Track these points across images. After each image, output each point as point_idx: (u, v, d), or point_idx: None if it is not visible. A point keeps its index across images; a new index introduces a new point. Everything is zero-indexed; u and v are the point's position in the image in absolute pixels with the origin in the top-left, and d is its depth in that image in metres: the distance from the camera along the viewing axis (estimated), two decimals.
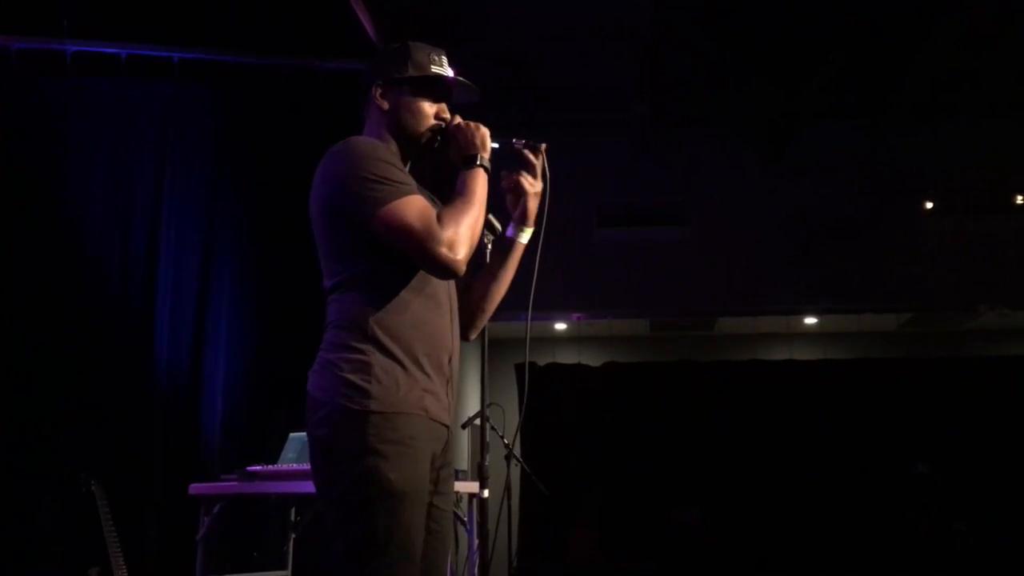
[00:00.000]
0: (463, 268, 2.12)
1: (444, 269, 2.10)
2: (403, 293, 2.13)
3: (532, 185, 2.41)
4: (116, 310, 5.65)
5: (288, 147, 5.91)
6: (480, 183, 2.23)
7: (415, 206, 2.08)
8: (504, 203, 2.45)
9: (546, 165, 2.37)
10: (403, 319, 2.11)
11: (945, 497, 8.95)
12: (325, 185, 2.13)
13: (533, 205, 2.42)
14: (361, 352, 2.06)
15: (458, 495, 4.43)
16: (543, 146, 2.39)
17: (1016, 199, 8.37)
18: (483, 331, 2.29)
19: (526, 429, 9.22)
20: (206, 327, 5.82)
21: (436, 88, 2.31)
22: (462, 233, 2.10)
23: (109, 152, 5.85)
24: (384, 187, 2.07)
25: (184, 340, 5.75)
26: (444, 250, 2.06)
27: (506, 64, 7.46)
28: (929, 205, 8.34)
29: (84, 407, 5.38)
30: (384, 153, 2.15)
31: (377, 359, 2.06)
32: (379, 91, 2.28)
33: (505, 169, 2.43)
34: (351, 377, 2.03)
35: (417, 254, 2.08)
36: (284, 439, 4.44)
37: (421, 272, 2.15)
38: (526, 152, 2.40)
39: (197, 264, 5.88)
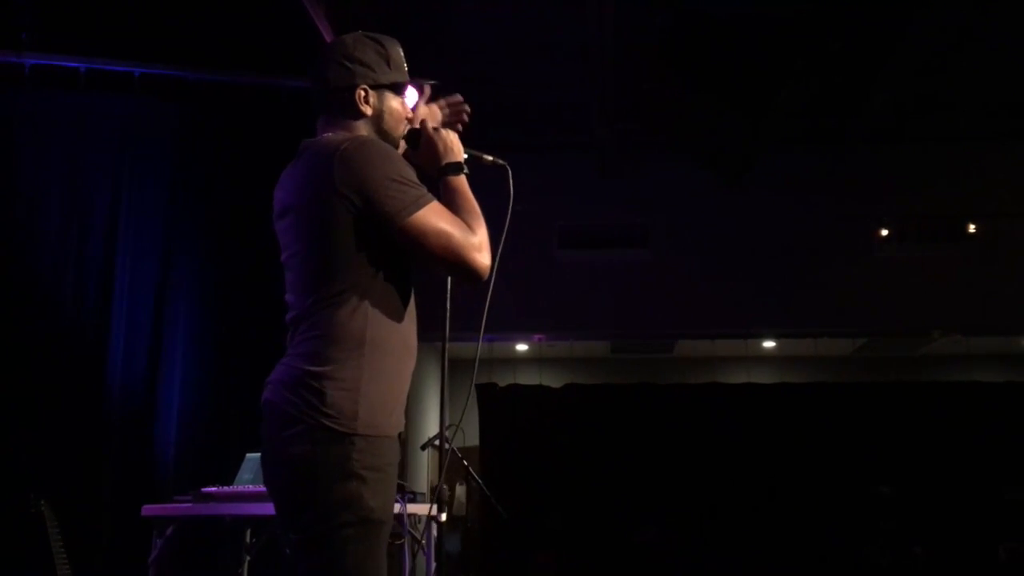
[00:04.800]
0: (487, 274, 2.08)
1: (477, 274, 2.04)
2: (397, 307, 2.04)
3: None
4: (70, 327, 5.55)
5: (247, 164, 5.87)
6: (469, 189, 2.18)
7: (445, 212, 2.03)
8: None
9: (511, 187, 2.34)
10: (395, 335, 2.03)
11: (902, 520, 9.05)
12: (343, 186, 1.95)
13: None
14: (349, 368, 1.94)
15: (416, 517, 4.39)
16: (507, 168, 2.33)
17: (969, 227, 8.53)
18: (444, 351, 2.26)
19: (485, 450, 9.20)
20: (162, 345, 5.73)
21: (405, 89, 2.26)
22: (486, 240, 2.07)
23: (66, 167, 5.77)
24: (413, 191, 1.99)
25: (139, 358, 5.66)
26: (480, 256, 2.03)
27: (468, 85, 7.46)
28: (884, 232, 8.48)
29: (34, 426, 5.26)
30: (400, 156, 2.07)
31: (366, 377, 1.95)
32: (363, 94, 2.15)
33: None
34: (336, 395, 1.91)
35: (453, 259, 2.01)
36: (240, 460, 4.38)
37: (408, 285, 2.09)
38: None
39: (153, 281, 5.80)
